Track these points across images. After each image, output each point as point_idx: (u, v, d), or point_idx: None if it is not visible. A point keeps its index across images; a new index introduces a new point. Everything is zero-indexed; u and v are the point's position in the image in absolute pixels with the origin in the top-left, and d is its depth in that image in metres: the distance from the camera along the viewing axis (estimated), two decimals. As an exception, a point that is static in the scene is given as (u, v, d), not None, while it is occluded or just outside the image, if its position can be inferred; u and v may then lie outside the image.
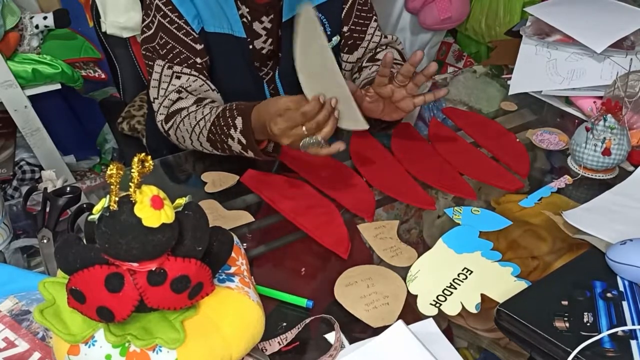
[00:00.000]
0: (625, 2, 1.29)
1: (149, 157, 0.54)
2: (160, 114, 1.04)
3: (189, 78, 1.03)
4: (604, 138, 0.94)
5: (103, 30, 1.44)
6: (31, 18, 1.55)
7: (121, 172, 0.53)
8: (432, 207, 0.92)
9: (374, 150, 1.06)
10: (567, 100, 1.21)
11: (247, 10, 1.06)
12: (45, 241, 0.82)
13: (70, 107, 1.99)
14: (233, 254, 0.68)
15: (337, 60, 1.20)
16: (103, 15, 1.44)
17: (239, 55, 1.08)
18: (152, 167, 0.54)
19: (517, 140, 1.08)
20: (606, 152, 0.94)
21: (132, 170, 0.53)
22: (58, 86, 1.61)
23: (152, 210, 0.54)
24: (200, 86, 1.03)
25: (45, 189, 0.88)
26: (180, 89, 1.02)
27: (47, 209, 0.85)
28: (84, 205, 0.86)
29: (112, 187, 0.53)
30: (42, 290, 0.60)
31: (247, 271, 0.71)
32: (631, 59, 1.08)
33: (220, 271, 0.66)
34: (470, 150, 1.06)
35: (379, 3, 2.18)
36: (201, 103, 1.01)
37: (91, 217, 0.56)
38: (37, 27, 1.56)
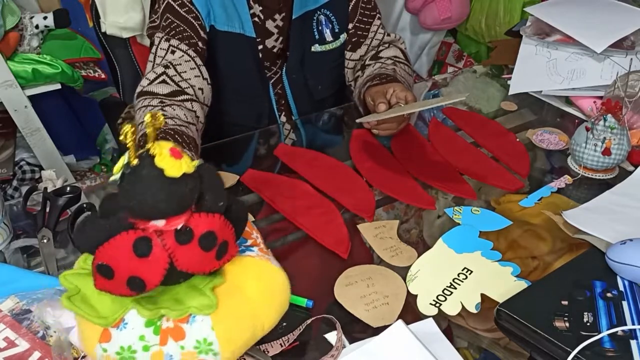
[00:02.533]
0: (625, 2, 1.29)
1: (159, 113, 0.54)
2: (140, 85, 0.98)
3: (182, 55, 0.99)
4: (604, 138, 0.94)
5: (103, 30, 1.44)
6: (31, 18, 1.55)
7: (135, 129, 0.52)
8: (432, 207, 0.92)
9: (374, 150, 1.06)
10: (567, 100, 1.21)
11: (260, 8, 1.06)
12: (45, 241, 0.82)
13: (70, 107, 1.99)
14: (247, 229, 0.68)
15: (342, 58, 1.20)
16: (103, 16, 1.44)
17: (248, 55, 1.08)
18: (163, 121, 0.54)
19: (517, 140, 1.08)
20: (606, 152, 0.94)
21: (147, 126, 0.53)
22: (58, 86, 1.61)
23: (173, 160, 0.54)
24: (191, 68, 0.99)
25: (45, 188, 0.88)
26: (169, 64, 0.97)
27: (47, 209, 0.85)
28: (84, 205, 0.86)
29: (129, 144, 0.53)
30: (63, 283, 0.59)
31: (263, 244, 0.70)
32: (631, 59, 1.08)
33: (238, 244, 0.66)
34: (470, 150, 1.06)
35: (379, 3, 2.19)
36: (174, 98, 0.94)
37: (112, 177, 0.56)
38: (37, 27, 1.56)
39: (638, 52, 1.15)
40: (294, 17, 1.08)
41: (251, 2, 1.05)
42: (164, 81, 0.97)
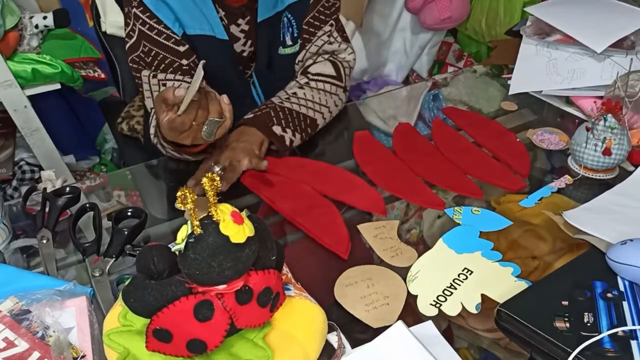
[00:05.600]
0: (625, 2, 1.29)
1: (215, 175, 0.54)
2: (152, 126, 1.02)
3: (173, 84, 1.01)
4: (604, 138, 0.94)
5: (103, 30, 1.44)
6: (31, 18, 1.55)
7: (194, 196, 0.52)
8: (441, 207, 0.92)
9: (377, 151, 1.05)
10: (568, 100, 1.21)
11: (224, 13, 1.05)
12: (44, 241, 0.82)
13: (70, 107, 1.99)
14: None
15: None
16: (103, 15, 1.44)
17: (224, 57, 1.07)
18: (219, 183, 0.54)
19: (518, 140, 1.08)
20: (606, 152, 0.94)
21: (206, 190, 0.53)
22: (58, 86, 1.61)
23: (237, 226, 0.54)
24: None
25: (45, 189, 0.88)
26: None
27: (47, 209, 0.85)
28: (87, 205, 0.85)
29: (191, 212, 0.53)
30: (109, 343, 0.59)
31: (293, 277, 0.71)
32: (631, 59, 1.08)
33: None
34: (473, 150, 1.06)
35: (379, 3, 2.19)
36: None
37: (176, 247, 0.56)
38: (36, 27, 1.55)
39: (638, 52, 1.15)
40: (258, 21, 1.07)
41: (216, 6, 1.04)
42: None
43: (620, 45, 1.16)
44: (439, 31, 2.27)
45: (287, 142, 1.03)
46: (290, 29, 1.11)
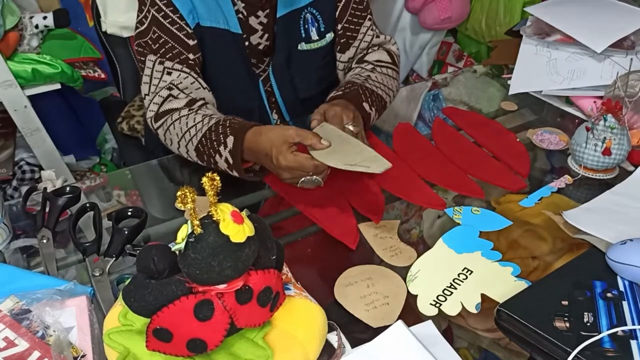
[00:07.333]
0: (625, 2, 1.29)
1: (216, 175, 0.54)
2: (150, 110, 1.02)
3: (179, 74, 1.01)
4: (604, 138, 0.94)
5: (103, 29, 1.44)
6: (31, 18, 1.55)
7: (195, 195, 0.52)
8: (442, 207, 0.91)
9: (377, 149, 1.05)
10: (568, 100, 1.21)
11: (243, 5, 1.05)
12: (45, 241, 0.82)
13: (70, 107, 1.99)
14: None
15: (328, 57, 1.18)
16: (103, 15, 1.44)
17: (235, 51, 1.08)
18: (219, 183, 0.54)
19: (518, 140, 1.08)
20: (606, 151, 0.94)
21: (207, 189, 0.53)
22: (58, 86, 1.61)
23: (237, 225, 0.54)
24: (191, 83, 1.02)
25: (45, 188, 0.88)
26: (171, 85, 1.01)
27: (47, 209, 0.85)
28: (87, 205, 0.85)
29: (191, 212, 0.53)
30: (109, 343, 0.59)
31: (293, 277, 0.71)
32: (631, 59, 1.08)
33: None
34: (473, 150, 1.06)
35: (379, 3, 2.18)
36: (193, 106, 0.99)
37: (176, 246, 0.56)
38: (36, 27, 1.56)
39: (638, 52, 1.15)
40: (278, 15, 1.07)
41: None
42: (173, 96, 1.00)
43: (620, 45, 1.16)
44: (439, 31, 2.27)
45: (371, 120, 1.05)
46: (316, 24, 1.12)
